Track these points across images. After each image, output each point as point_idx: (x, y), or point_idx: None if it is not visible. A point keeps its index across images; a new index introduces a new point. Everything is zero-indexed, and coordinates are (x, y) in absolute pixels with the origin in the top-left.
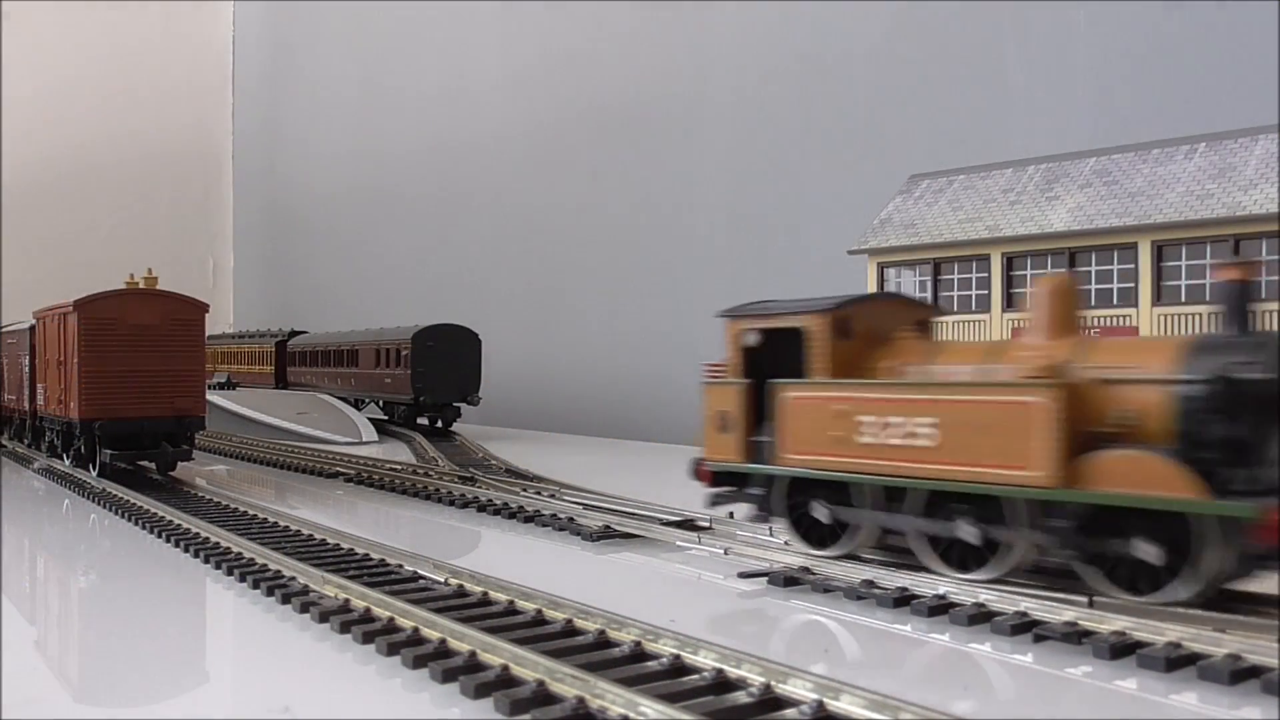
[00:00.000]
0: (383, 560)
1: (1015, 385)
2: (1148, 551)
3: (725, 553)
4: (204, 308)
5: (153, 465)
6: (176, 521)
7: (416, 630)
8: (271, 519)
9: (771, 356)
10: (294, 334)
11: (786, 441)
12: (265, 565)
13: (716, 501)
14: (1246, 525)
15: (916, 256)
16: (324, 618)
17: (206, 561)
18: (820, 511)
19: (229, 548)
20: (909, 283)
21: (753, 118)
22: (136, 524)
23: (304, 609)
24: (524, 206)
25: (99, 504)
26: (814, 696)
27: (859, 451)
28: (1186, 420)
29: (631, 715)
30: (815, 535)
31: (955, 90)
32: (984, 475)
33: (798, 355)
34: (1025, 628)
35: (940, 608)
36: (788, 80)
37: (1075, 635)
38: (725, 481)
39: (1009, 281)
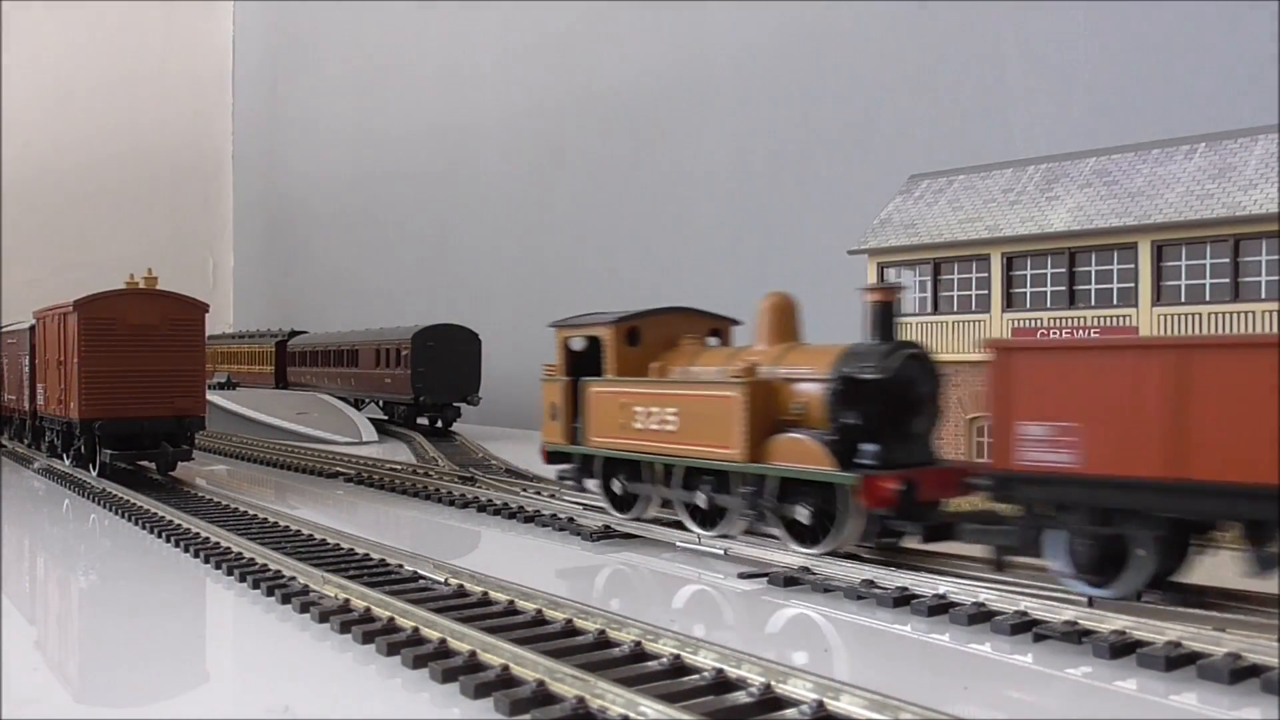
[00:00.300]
0: (383, 560)
1: (720, 384)
2: (801, 513)
3: (725, 553)
4: (204, 308)
5: (153, 465)
6: (176, 521)
7: (416, 630)
8: (271, 519)
9: (590, 358)
10: (294, 334)
11: (590, 427)
12: (265, 565)
13: (562, 476)
14: (855, 490)
15: (916, 256)
16: (324, 618)
17: (206, 561)
18: (616, 485)
19: (229, 548)
20: (909, 282)
21: (753, 116)
22: (136, 524)
23: (304, 609)
24: (524, 206)
25: (99, 504)
26: (814, 696)
27: (634, 435)
28: (830, 409)
29: (631, 715)
30: (619, 503)
31: (955, 90)
32: (706, 453)
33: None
34: (1025, 627)
35: (940, 607)
36: (788, 80)
37: (1075, 634)
38: (558, 459)
39: (1009, 281)
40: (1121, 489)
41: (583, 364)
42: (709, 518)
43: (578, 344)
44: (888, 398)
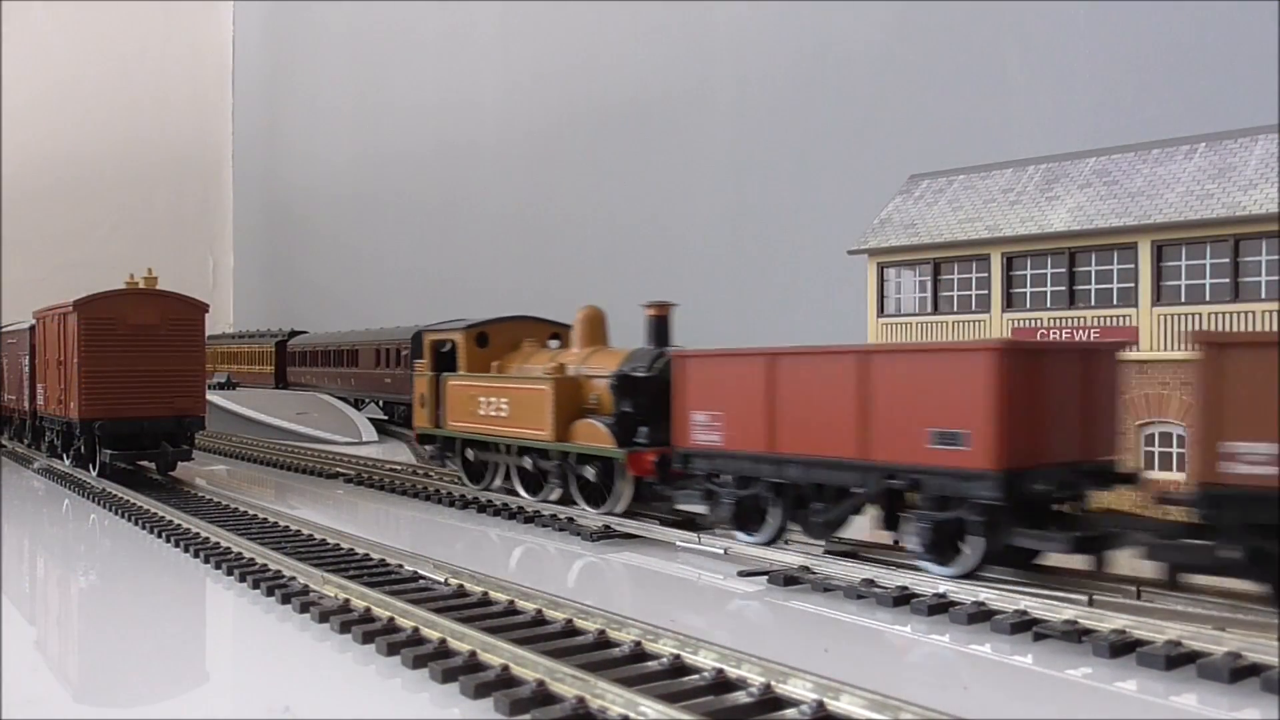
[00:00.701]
0: (383, 560)
1: (536, 379)
2: (589, 472)
3: (725, 552)
4: (204, 308)
5: (153, 465)
6: (176, 521)
7: (416, 630)
8: (271, 519)
9: (451, 358)
10: (294, 334)
11: (448, 414)
12: (265, 565)
13: (432, 457)
14: (625, 462)
15: (916, 256)
16: (324, 618)
17: (206, 561)
18: (470, 462)
19: (229, 548)
20: (909, 282)
21: (753, 118)
22: (136, 524)
23: (304, 609)
24: (524, 205)
25: (99, 504)
26: (814, 696)
27: (480, 420)
28: (613, 400)
29: (631, 715)
30: (472, 475)
31: (955, 90)
32: (528, 435)
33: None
34: (1025, 626)
35: (940, 606)
36: (788, 80)
37: (1075, 634)
38: (426, 440)
39: (1009, 281)
40: None
41: (445, 363)
42: (536, 486)
43: (442, 346)
44: (654, 391)
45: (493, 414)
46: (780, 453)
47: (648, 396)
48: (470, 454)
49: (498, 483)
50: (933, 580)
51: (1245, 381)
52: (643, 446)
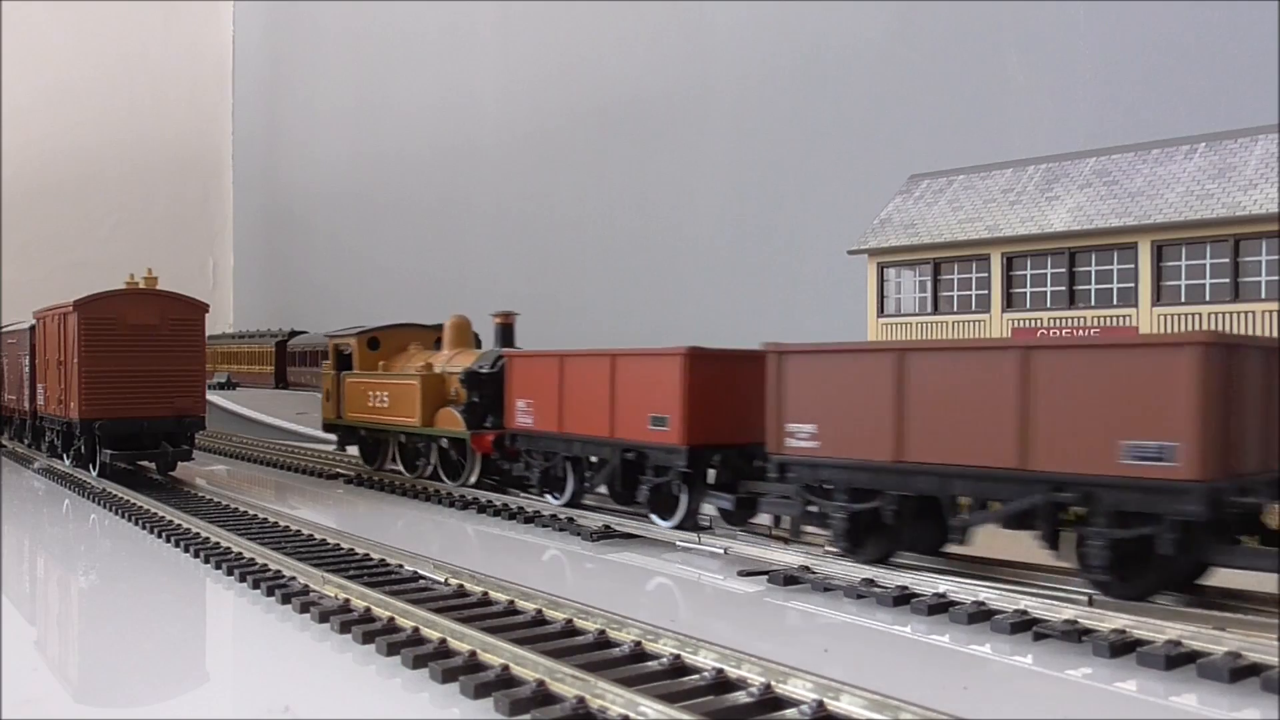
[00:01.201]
0: (383, 560)
1: (408, 376)
2: (449, 450)
3: (725, 552)
4: (204, 308)
5: (153, 465)
6: (176, 521)
7: (416, 630)
8: (271, 519)
9: (349, 359)
10: (294, 334)
11: (346, 406)
12: (265, 565)
13: (339, 443)
14: (472, 442)
15: (916, 256)
16: (324, 618)
17: (206, 561)
18: (366, 447)
19: (229, 548)
20: (909, 282)
21: (753, 118)
22: (136, 524)
23: (304, 609)
24: (524, 205)
25: (99, 504)
26: (814, 696)
27: (370, 411)
28: (466, 393)
29: (631, 715)
30: (368, 456)
31: (955, 90)
32: (404, 422)
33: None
34: (1025, 626)
35: (940, 606)
36: (788, 80)
37: (1075, 634)
38: (330, 429)
39: (1009, 281)
40: None
41: (345, 363)
42: (413, 465)
43: (344, 349)
44: (496, 385)
45: (379, 405)
46: (567, 432)
47: (491, 389)
48: (365, 437)
49: (388, 464)
50: (932, 580)
51: (796, 379)
52: (486, 429)
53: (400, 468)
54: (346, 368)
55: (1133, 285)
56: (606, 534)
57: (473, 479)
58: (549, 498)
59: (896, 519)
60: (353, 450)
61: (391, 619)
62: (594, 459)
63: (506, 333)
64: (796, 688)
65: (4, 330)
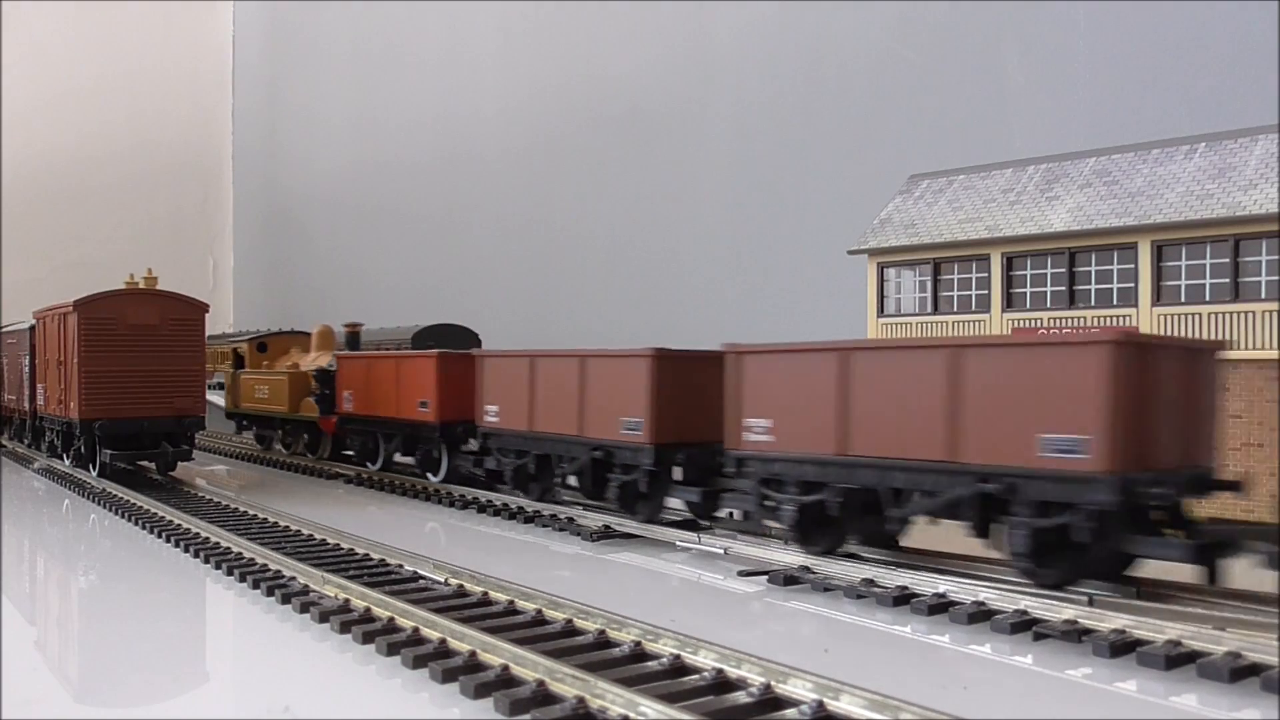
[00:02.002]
0: (383, 560)
1: (280, 373)
2: (306, 432)
3: (725, 552)
4: (204, 308)
5: (153, 465)
6: (176, 521)
7: (416, 630)
8: (271, 519)
9: (244, 359)
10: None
11: (240, 398)
12: (265, 565)
13: (237, 428)
14: (320, 424)
15: (916, 256)
16: (324, 618)
17: (206, 561)
18: (253, 432)
19: (229, 548)
20: (909, 282)
21: (753, 118)
22: (136, 524)
23: (304, 609)
24: (525, 205)
25: (99, 504)
26: (814, 696)
27: (257, 402)
28: (319, 385)
29: (631, 715)
30: (261, 441)
31: (955, 90)
32: (277, 410)
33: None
34: (1025, 626)
35: (940, 606)
36: (788, 81)
37: (1075, 634)
38: (230, 417)
39: (1009, 281)
40: None
41: (240, 363)
42: (288, 445)
43: (240, 351)
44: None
45: (262, 396)
46: (375, 415)
47: (333, 384)
48: (254, 428)
49: (276, 446)
50: (932, 580)
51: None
52: (331, 415)
53: (279, 446)
54: (242, 367)
55: (1133, 285)
56: (606, 534)
57: (325, 453)
58: (368, 465)
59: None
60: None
61: (391, 619)
62: (395, 434)
63: (353, 339)
64: (796, 688)
65: (4, 330)
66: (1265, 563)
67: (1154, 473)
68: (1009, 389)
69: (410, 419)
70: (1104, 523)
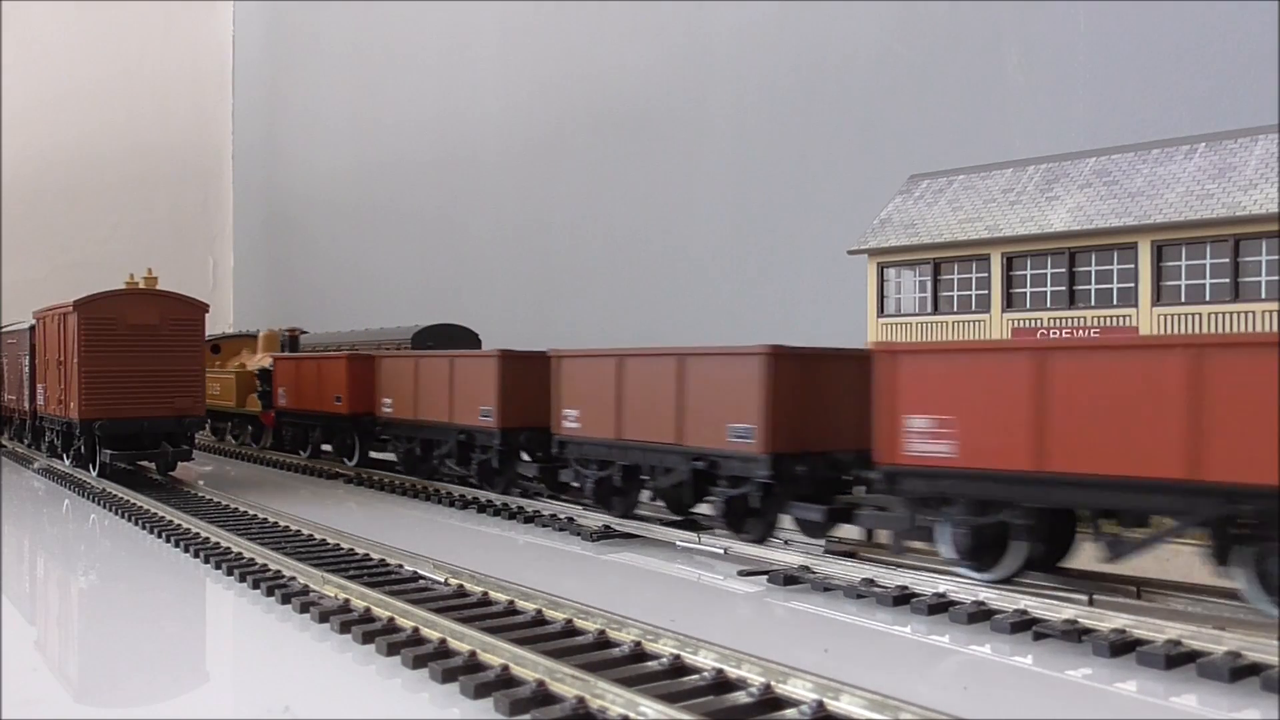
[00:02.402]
0: (383, 560)
1: (229, 371)
2: (249, 425)
3: (725, 552)
4: (204, 308)
5: (153, 465)
6: (176, 521)
7: (416, 630)
8: (271, 519)
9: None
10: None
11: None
12: (265, 565)
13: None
14: (261, 418)
15: (916, 256)
16: (324, 618)
17: (206, 561)
18: (208, 425)
19: (229, 548)
20: (909, 282)
21: (753, 119)
22: (136, 524)
23: (304, 609)
24: (525, 205)
25: (99, 504)
26: (814, 696)
27: (210, 398)
28: (260, 383)
29: (631, 715)
30: (217, 432)
31: (955, 90)
32: (227, 405)
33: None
34: (1025, 625)
35: (940, 606)
36: (788, 81)
37: (1075, 633)
38: None
39: (1009, 281)
40: None
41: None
42: (237, 437)
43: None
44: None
45: (215, 393)
46: (303, 409)
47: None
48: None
49: (228, 437)
50: (932, 579)
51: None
52: (270, 410)
53: (229, 437)
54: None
55: (1133, 285)
56: (606, 534)
57: (268, 443)
58: (300, 453)
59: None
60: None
61: (391, 619)
62: (316, 425)
63: (293, 341)
64: (796, 688)
65: (4, 330)
66: (869, 522)
67: (816, 454)
68: (712, 388)
69: (329, 411)
70: (769, 491)
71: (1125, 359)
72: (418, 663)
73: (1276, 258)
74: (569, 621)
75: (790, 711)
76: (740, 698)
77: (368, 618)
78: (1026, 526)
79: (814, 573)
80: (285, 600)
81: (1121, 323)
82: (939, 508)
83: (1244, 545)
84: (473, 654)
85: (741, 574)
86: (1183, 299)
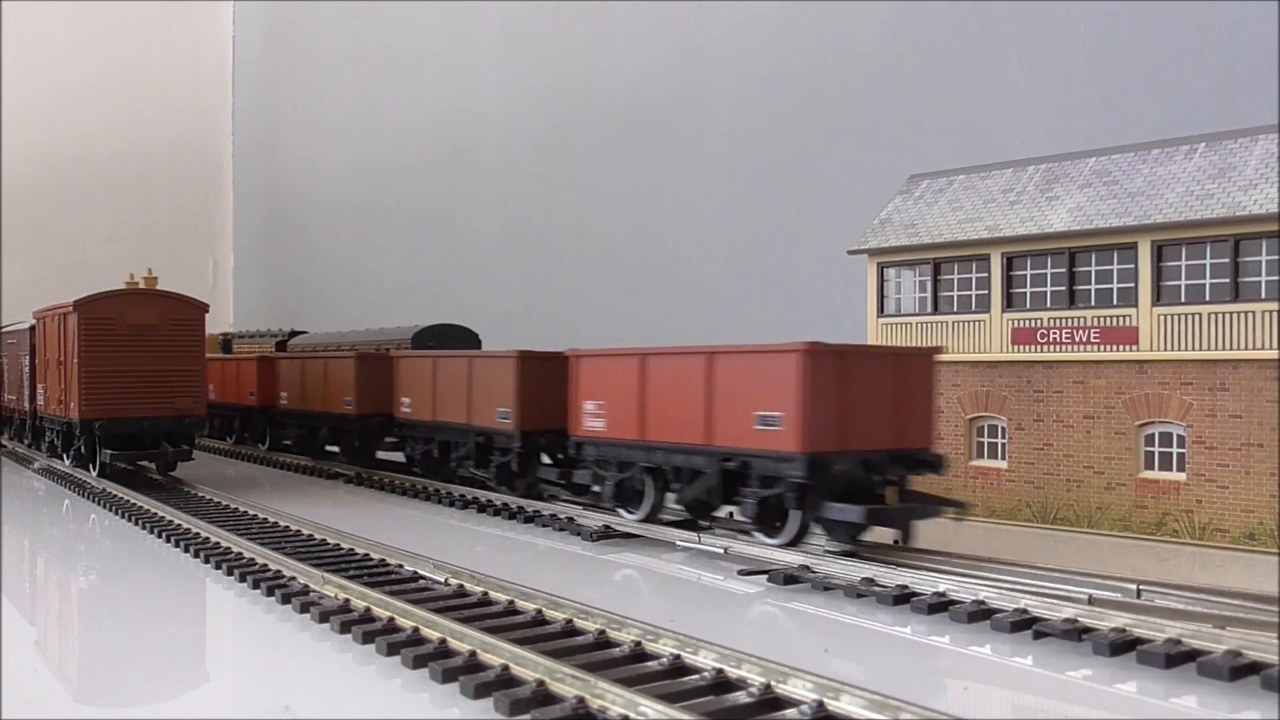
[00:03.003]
0: (383, 560)
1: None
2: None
3: (725, 552)
4: (204, 308)
5: (153, 465)
6: (176, 521)
7: (416, 630)
8: (271, 519)
9: None
10: (294, 334)
11: None
12: (265, 565)
13: None
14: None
15: (916, 256)
16: (324, 618)
17: (206, 561)
18: None
19: (229, 548)
20: (909, 282)
21: (753, 118)
22: (136, 524)
23: (304, 609)
24: (525, 205)
25: (99, 504)
26: (814, 696)
27: None
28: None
29: (631, 715)
30: None
31: (955, 90)
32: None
33: None
34: (1025, 625)
35: (940, 605)
36: (788, 80)
37: (1075, 632)
38: None
39: (1009, 281)
40: None
41: None
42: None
43: None
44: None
45: None
46: (226, 402)
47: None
48: None
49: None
50: (932, 579)
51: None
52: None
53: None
54: None
55: (1133, 285)
56: (606, 534)
57: (234, 439)
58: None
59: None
60: None
61: (391, 619)
62: (235, 418)
63: (227, 345)
64: (796, 688)
65: (4, 330)
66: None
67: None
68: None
69: (245, 404)
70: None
71: (677, 361)
72: (418, 663)
73: (1276, 258)
74: (569, 621)
75: (790, 711)
76: (740, 698)
77: (368, 618)
78: (646, 480)
79: (814, 572)
80: (285, 600)
81: (1121, 323)
82: (605, 467)
83: (744, 488)
84: (473, 654)
85: (741, 573)
86: (1183, 299)
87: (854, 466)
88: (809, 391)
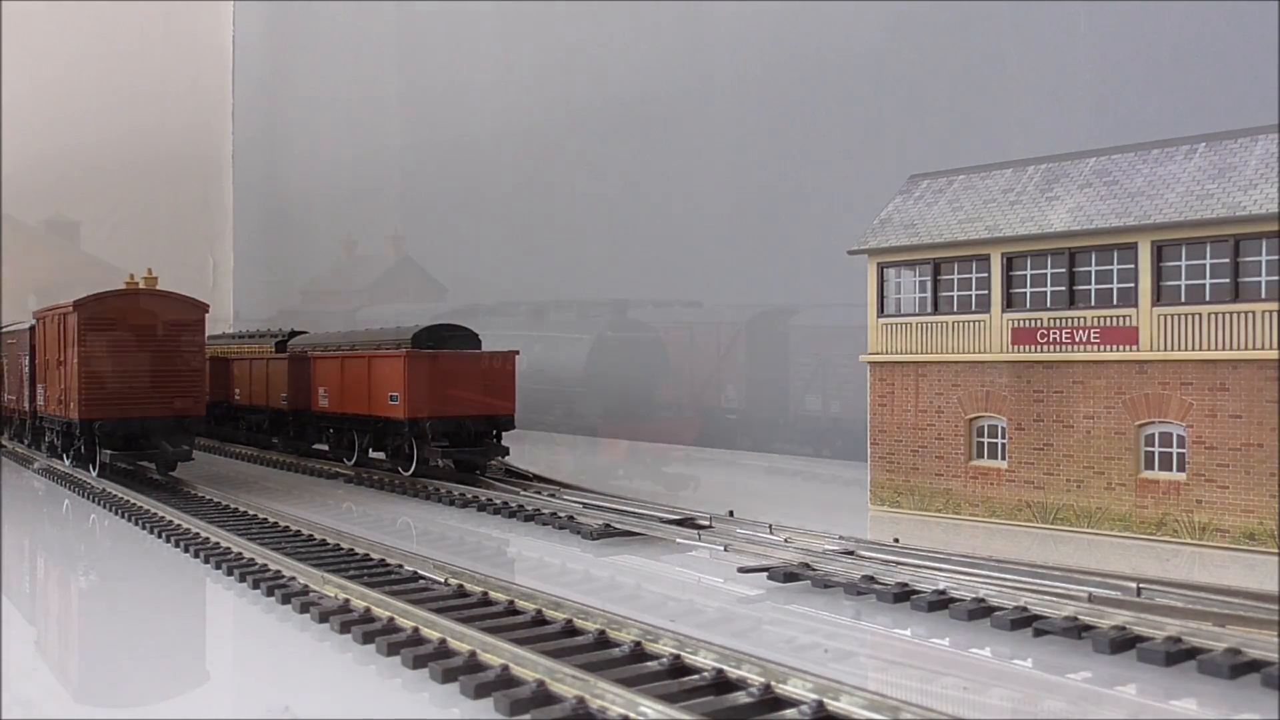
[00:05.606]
0: (383, 560)
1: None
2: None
3: (725, 549)
4: (204, 308)
5: (153, 465)
6: (176, 521)
7: (416, 630)
8: (271, 519)
9: None
10: (294, 334)
11: None
12: (265, 565)
13: None
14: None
15: (916, 256)
16: (324, 618)
17: (206, 561)
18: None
19: (229, 548)
20: (909, 282)
21: (753, 118)
22: (136, 524)
23: (304, 609)
24: (525, 203)
25: (99, 504)
26: (814, 697)
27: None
28: None
29: (631, 715)
30: None
31: (955, 90)
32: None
33: None
34: (1025, 623)
35: (940, 603)
36: (788, 80)
37: (1075, 630)
38: None
39: (1009, 281)
40: None
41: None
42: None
43: None
44: None
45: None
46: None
47: None
48: None
49: None
50: (932, 576)
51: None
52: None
53: None
54: None
55: (1133, 285)
56: (606, 533)
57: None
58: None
59: None
60: None
61: (391, 619)
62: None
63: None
64: (796, 688)
65: (4, 330)
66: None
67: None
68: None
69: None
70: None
71: (356, 360)
72: (418, 663)
73: (1276, 258)
74: (569, 621)
75: (790, 711)
76: (740, 698)
77: (368, 618)
78: (355, 434)
79: (813, 570)
80: (285, 600)
81: (1121, 323)
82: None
83: (388, 440)
84: (473, 654)
85: (741, 571)
86: (1183, 299)
87: (448, 425)
88: (408, 380)
